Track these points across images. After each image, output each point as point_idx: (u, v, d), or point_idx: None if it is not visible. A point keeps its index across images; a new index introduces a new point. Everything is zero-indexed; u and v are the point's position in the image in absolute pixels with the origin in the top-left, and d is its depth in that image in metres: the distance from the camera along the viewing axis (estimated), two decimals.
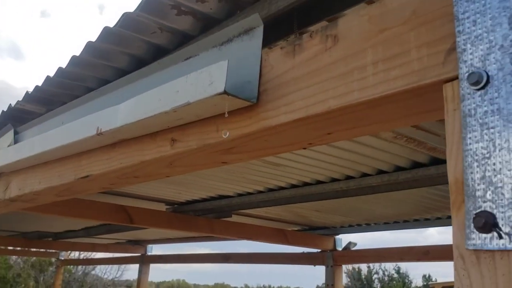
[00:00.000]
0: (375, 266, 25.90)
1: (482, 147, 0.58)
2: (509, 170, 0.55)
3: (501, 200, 0.55)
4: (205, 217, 4.50)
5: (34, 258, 17.06)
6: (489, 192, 0.56)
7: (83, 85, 1.86)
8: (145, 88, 1.22)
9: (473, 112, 0.59)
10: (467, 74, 0.60)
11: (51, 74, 1.75)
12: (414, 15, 0.69)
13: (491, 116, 0.57)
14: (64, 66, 1.64)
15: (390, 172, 2.92)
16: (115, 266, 23.80)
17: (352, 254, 5.32)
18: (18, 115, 2.21)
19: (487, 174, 0.57)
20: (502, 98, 0.57)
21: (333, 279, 5.25)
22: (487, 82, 0.58)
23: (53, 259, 16.34)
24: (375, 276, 25.88)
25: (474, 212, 0.57)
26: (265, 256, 6.14)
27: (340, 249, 5.36)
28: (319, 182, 3.25)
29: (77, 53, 1.56)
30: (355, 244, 5.38)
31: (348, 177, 3.11)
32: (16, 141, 1.96)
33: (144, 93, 1.07)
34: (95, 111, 1.40)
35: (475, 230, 0.57)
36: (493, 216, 0.55)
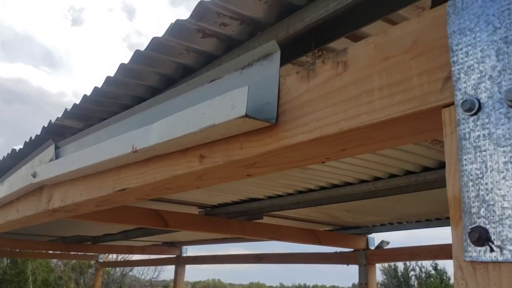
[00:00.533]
0: (412, 263, 25.49)
1: (476, 168, 0.64)
2: (499, 190, 0.61)
3: (493, 216, 0.61)
4: (236, 219, 4.60)
5: (74, 261, 17.60)
6: (482, 209, 0.62)
7: (117, 101, 1.98)
8: (175, 108, 1.32)
9: (467, 135, 0.65)
10: (461, 101, 0.66)
11: (86, 86, 1.87)
12: (414, 44, 0.76)
13: (483, 140, 0.63)
14: (99, 85, 1.75)
15: (418, 173, 2.94)
16: (152, 267, 24.28)
17: (385, 253, 5.33)
18: (58, 130, 2.35)
19: (481, 192, 0.63)
20: (492, 124, 0.63)
21: (367, 278, 5.27)
22: (479, 108, 0.65)
23: (92, 262, 16.85)
24: (412, 273, 25.47)
25: (470, 227, 0.63)
26: (298, 256, 6.20)
27: (372, 248, 5.38)
28: (347, 184, 3.30)
29: (111, 74, 1.67)
30: (387, 243, 5.38)
31: (376, 178, 3.15)
32: (57, 155, 2.09)
33: (174, 114, 1.17)
34: (130, 129, 1.51)
35: (471, 244, 0.63)
36: (486, 231, 0.61)
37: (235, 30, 1.34)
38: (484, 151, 0.63)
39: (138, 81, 1.77)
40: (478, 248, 0.62)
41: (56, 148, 2.11)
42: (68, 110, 2.01)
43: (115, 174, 1.61)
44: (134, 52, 1.52)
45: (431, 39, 0.73)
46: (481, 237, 0.61)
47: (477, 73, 0.65)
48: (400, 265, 25.64)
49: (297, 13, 1.20)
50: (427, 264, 25.43)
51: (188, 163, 1.25)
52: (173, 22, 1.32)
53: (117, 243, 7.77)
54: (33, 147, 2.62)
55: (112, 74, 1.70)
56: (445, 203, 3.15)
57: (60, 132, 2.35)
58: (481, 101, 0.64)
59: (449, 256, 4.83)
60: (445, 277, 24.72)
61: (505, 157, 0.61)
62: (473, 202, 0.64)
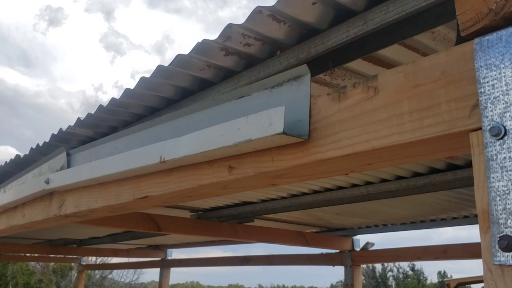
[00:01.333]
0: (390, 264, 25.89)
1: (503, 185, 0.75)
2: None
3: None
4: (228, 222, 4.69)
5: (53, 263, 17.39)
6: (509, 220, 0.73)
7: (128, 111, 2.05)
8: (202, 121, 1.40)
9: (494, 157, 0.76)
10: (489, 127, 0.77)
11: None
12: (443, 75, 0.86)
13: (509, 161, 0.74)
14: (117, 97, 1.82)
15: (408, 178, 3.08)
16: (131, 270, 24.12)
17: (370, 254, 5.48)
18: (65, 137, 2.40)
19: (507, 206, 0.74)
20: None
21: (352, 279, 5.41)
22: (505, 134, 0.76)
23: (73, 264, 16.65)
24: (390, 274, 25.89)
25: (498, 235, 0.74)
26: (284, 258, 6.32)
27: (358, 249, 5.52)
28: (339, 188, 3.42)
29: (131, 87, 1.75)
30: (372, 244, 5.54)
31: (368, 183, 3.28)
32: (68, 163, 2.15)
33: (207, 128, 1.25)
34: (150, 140, 1.59)
35: (499, 250, 0.74)
36: None
37: (257, 49, 1.44)
38: (510, 170, 0.74)
39: (154, 92, 1.84)
40: (506, 254, 0.73)
41: (67, 155, 2.17)
42: (82, 119, 2.07)
43: (134, 182, 1.68)
44: (157, 67, 1.59)
45: (459, 71, 0.84)
46: (509, 244, 0.72)
47: (503, 104, 0.76)
48: (378, 266, 26.02)
49: (318, 37, 1.30)
50: (405, 265, 25.86)
51: (215, 173, 1.33)
52: (200, 41, 1.41)
53: (103, 246, 7.77)
54: (38, 153, 2.67)
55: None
56: (431, 206, 3.32)
57: (67, 139, 2.40)
58: (507, 127, 0.75)
59: (432, 257, 5.00)
60: (422, 278, 25.19)
61: None
62: (501, 214, 0.74)
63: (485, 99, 0.79)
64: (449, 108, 0.85)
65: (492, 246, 0.75)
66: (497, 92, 0.77)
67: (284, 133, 1.04)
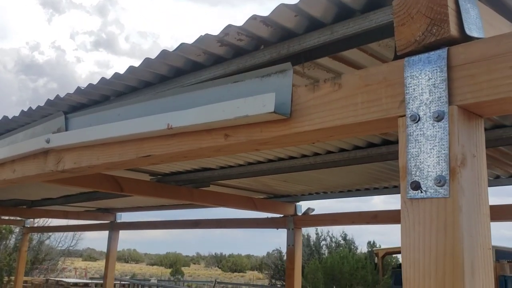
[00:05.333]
0: (323, 233, 27.26)
1: (415, 151, 1.23)
2: (426, 162, 1.20)
3: (423, 176, 1.21)
4: (185, 186, 5.10)
5: None
6: (418, 172, 1.22)
7: (123, 83, 2.40)
8: (201, 98, 1.81)
9: (411, 133, 1.24)
10: (409, 114, 1.25)
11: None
12: (384, 79, 1.33)
13: (419, 136, 1.23)
14: (121, 72, 2.18)
15: (350, 150, 3.62)
16: (70, 236, 23.92)
17: (310, 218, 6.10)
18: (58, 102, 2.71)
19: (417, 164, 1.22)
20: (424, 128, 1.22)
21: (294, 240, 6.02)
22: (419, 119, 1.24)
23: (12, 227, 16.41)
24: (323, 243, 27.31)
25: (411, 181, 1.23)
26: (233, 221, 6.83)
27: (300, 214, 6.13)
28: (291, 158, 3.92)
29: (136, 65, 2.11)
30: (313, 210, 6.15)
31: (315, 154, 3.80)
32: (67, 126, 2.48)
33: (212, 104, 1.67)
34: (155, 110, 1.97)
35: (411, 189, 1.22)
36: (418, 183, 1.21)
37: (246, 43, 1.85)
38: (420, 142, 1.23)
39: (150, 69, 2.21)
40: (414, 191, 1.22)
41: (65, 119, 2.49)
42: (83, 88, 2.40)
43: (137, 144, 2.06)
44: (161, 51, 1.97)
45: (394, 78, 1.31)
46: (416, 186, 1.21)
47: (418, 101, 1.24)
48: (313, 235, 27.33)
49: (296, 39, 1.74)
50: (337, 234, 27.33)
51: (213, 139, 1.76)
52: (203, 35, 1.80)
53: (53, 207, 7.94)
54: (26, 116, 2.95)
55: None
56: (366, 176, 3.99)
57: (59, 105, 2.71)
58: (420, 115, 1.23)
59: (364, 222, 5.67)
60: (353, 247, 26.79)
61: (430, 146, 1.20)
62: (413, 168, 1.23)
63: (408, 97, 1.26)
64: (386, 101, 1.32)
65: (407, 187, 1.24)
66: (416, 93, 1.25)
67: (274, 112, 1.48)
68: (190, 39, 1.92)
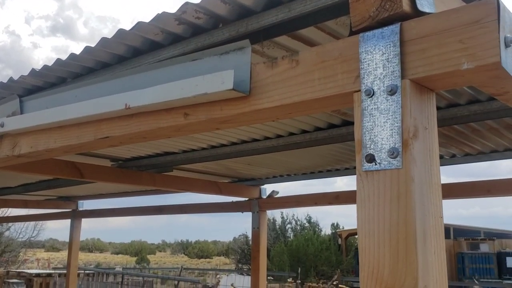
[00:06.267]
0: (288, 216, 27.62)
1: (369, 125, 1.26)
2: (380, 136, 1.24)
3: (376, 148, 1.24)
4: (147, 171, 5.05)
5: None
6: (372, 145, 1.25)
7: (80, 64, 2.34)
8: (160, 77, 1.79)
9: (366, 108, 1.27)
10: (364, 89, 1.28)
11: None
12: (340, 55, 1.35)
13: (374, 110, 1.26)
14: (77, 53, 2.12)
15: (311, 132, 3.67)
16: (31, 226, 23.35)
17: (275, 201, 6.17)
18: (11, 85, 2.63)
19: (371, 137, 1.25)
20: (379, 102, 1.25)
21: (259, 223, 6.07)
22: (373, 94, 1.26)
23: None
24: (289, 226, 27.69)
25: (365, 154, 1.26)
26: (197, 206, 6.83)
27: (264, 197, 6.18)
28: (254, 140, 3.94)
29: (92, 45, 2.06)
30: (277, 192, 6.22)
31: (278, 136, 3.83)
32: (22, 109, 2.40)
33: (170, 83, 1.65)
34: (113, 90, 1.94)
35: (365, 162, 1.26)
36: (372, 156, 1.24)
37: (204, 21, 1.84)
38: (374, 116, 1.26)
39: (107, 49, 2.17)
40: (369, 164, 1.25)
41: (20, 102, 2.42)
42: (38, 70, 2.33)
43: (95, 125, 2.02)
44: (118, 30, 1.93)
45: (350, 53, 1.33)
46: (371, 158, 1.24)
47: (373, 76, 1.27)
48: (278, 219, 27.65)
49: (254, 17, 1.73)
50: (302, 217, 27.74)
51: (173, 118, 1.74)
52: (160, 13, 1.78)
53: (11, 197, 7.71)
54: None
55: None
56: (328, 158, 4.06)
57: (13, 88, 2.62)
58: (374, 90, 1.26)
59: (327, 202, 5.77)
60: (317, 229, 27.28)
61: (384, 119, 1.23)
62: (367, 142, 1.26)
63: (363, 73, 1.29)
64: (342, 77, 1.34)
65: (362, 160, 1.27)
66: (370, 68, 1.28)
67: (233, 89, 1.48)
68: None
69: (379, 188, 1.24)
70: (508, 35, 1.12)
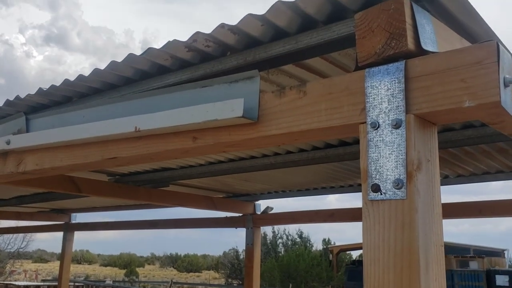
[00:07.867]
0: (280, 231, 27.58)
1: (375, 156, 1.33)
2: (386, 166, 1.30)
3: (382, 179, 1.30)
4: (143, 187, 5.07)
5: None
6: (377, 176, 1.31)
7: (87, 84, 2.40)
8: (171, 101, 1.84)
9: (372, 139, 1.34)
10: (370, 122, 1.34)
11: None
12: (346, 89, 1.42)
13: (379, 142, 1.32)
14: (86, 74, 2.18)
15: (309, 151, 3.73)
16: (20, 237, 23.12)
17: (269, 217, 6.20)
18: (18, 103, 2.67)
19: (377, 167, 1.32)
20: (384, 135, 1.31)
21: (253, 239, 6.10)
22: (378, 126, 1.33)
23: None
24: (280, 241, 27.62)
25: (371, 183, 1.32)
26: (191, 221, 6.84)
27: (259, 212, 6.21)
28: (252, 157, 3.99)
29: (101, 67, 2.11)
30: (271, 208, 6.26)
31: (276, 154, 3.89)
32: (28, 127, 2.45)
33: (181, 108, 1.71)
34: (122, 112, 1.99)
35: (371, 191, 1.32)
36: (378, 185, 1.30)
37: (213, 49, 1.90)
38: (379, 147, 1.32)
39: (114, 71, 2.22)
40: (375, 194, 1.31)
41: (27, 120, 2.46)
42: (45, 89, 2.37)
43: (102, 146, 2.07)
44: (128, 55, 1.99)
45: (356, 87, 1.40)
46: (376, 188, 1.31)
47: (378, 109, 1.34)
48: (269, 233, 27.59)
49: (262, 47, 1.80)
50: (294, 232, 27.71)
51: (181, 141, 1.80)
52: (171, 40, 1.84)
53: (4, 209, 7.67)
54: None
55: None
56: (323, 175, 4.13)
57: (18, 105, 2.67)
58: (379, 123, 1.33)
59: (322, 220, 5.82)
60: (308, 244, 27.25)
61: (389, 151, 1.30)
62: (373, 172, 1.32)
63: (369, 106, 1.36)
64: (348, 109, 1.41)
65: (368, 189, 1.33)
66: (376, 102, 1.35)
67: (243, 116, 1.54)
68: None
69: (384, 217, 1.30)
70: (507, 76, 1.20)
